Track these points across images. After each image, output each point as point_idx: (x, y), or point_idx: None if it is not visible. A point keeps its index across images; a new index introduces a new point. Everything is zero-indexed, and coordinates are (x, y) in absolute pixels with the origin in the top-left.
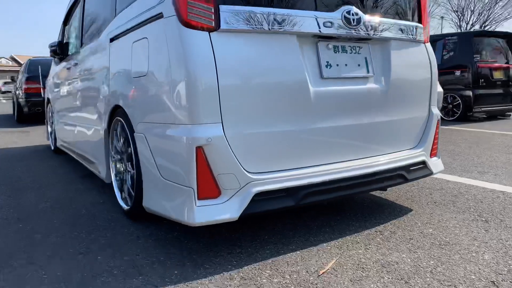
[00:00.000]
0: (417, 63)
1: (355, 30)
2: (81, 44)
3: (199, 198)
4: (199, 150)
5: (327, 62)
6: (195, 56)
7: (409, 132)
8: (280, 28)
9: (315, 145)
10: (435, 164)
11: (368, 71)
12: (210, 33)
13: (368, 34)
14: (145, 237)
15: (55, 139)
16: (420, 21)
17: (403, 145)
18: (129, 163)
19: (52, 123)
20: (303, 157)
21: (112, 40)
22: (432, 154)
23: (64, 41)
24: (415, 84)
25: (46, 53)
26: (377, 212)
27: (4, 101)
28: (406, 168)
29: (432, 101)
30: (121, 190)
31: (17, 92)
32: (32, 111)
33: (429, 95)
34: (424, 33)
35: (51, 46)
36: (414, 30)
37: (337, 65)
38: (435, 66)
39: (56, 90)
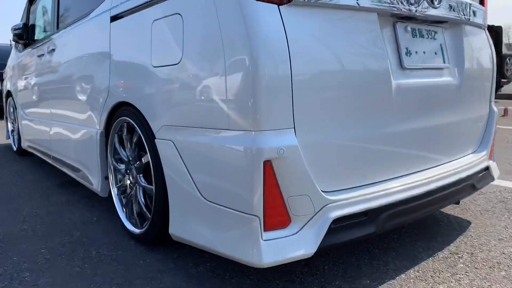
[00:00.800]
0: (483, 52)
1: (437, 9)
2: (57, 26)
3: (265, 230)
4: (267, 165)
5: (406, 48)
6: (262, 36)
7: (472, 133)
8: (364, 3)
9: (393, 153)
10: (494, 168)
11: (444, 61)
12: (280, 7)
13: (447, 15)
14: (171, 273)
15: (19, 138)
16: (482, 2)
17: (467, 148)
18: (141, 175)
19: (15, 119)
20: (380, 168)
21: (114, 19)
22: (490, 157)
23: (30, 24)
24: (482, 76)
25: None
26: (434, 227)
27: None
28: (475, 175)
29: (492, 96)
30: (123, 205)
31: None
32: None
33: (490, 89)
34: (485, 17)
35: (14, 29)
36: (480, 13)
37: (416, 52)
38: (495, 55)
39: (20, 81)
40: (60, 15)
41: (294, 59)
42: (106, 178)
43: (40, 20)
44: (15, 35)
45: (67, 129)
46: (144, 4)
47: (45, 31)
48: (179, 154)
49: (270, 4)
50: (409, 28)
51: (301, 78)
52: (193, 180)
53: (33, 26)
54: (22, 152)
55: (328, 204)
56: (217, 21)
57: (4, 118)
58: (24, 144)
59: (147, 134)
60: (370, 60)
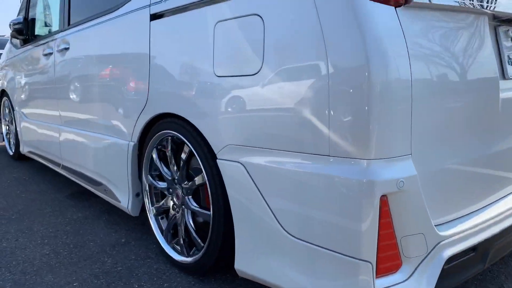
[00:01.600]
0: None
1: None
2: (69, 22)
3: (377, 276)
4: (384, 200)
5: (508, 56)
6: (380, 42)
7: None
8: (480, 4)
9: (495, 175)
10: None
11: None
12: (396, 9)
13: None
14: None
15: (17, 142)
16: None
17: None
18: (190, 197)
19: (11, 121)
20: (484, 192)
21: (156, 17)
22: None
23: (30, 17)
24: None
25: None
26: None
27: None
28: None
29: None
30: (163, 228)
31: None
32: None
33: None
34: None
35: (14, 24)
36: None
37: None
38: None
39: (19, 80)
40: (71, 9)
41: (414, 70)
42: (137, 195)
43: (42, 14)
44: (14, 30)
45: (85, 137)
46: (200, 2)
47: (48, 26)
48: (252, 179)
49: (387, 6)
50: (510, 33)
51: (419, 91)
52: (271, 211)
53: (34, 20)
54: (19, 157)
55: (441, 242)
56: (318, 24)
57: None
58: (24, 149)
59: (203, 153)
60: (482, 70)
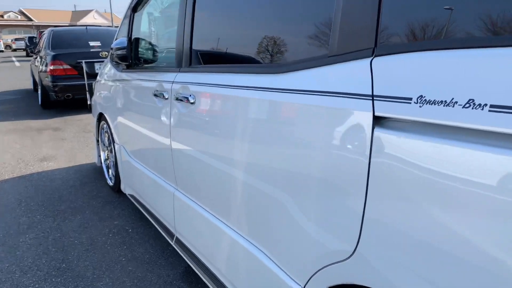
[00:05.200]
0: None
1: None
2: (190, 61)
3: None
4: None
5: None
6: None
7: None
8: None
9: None
10: None
11: None
12: None
13: None
14: None
15: (117, 175)
16: None
17: None
18: None
19: (111, 150)
20: None
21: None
22: None
23: (134, 38)
24: None
25: (61, 6)
26: None
27: (17, 63)
28: None
29: None
30: None
31: (39, 67)
32: (60, 98)
33: None
34: None
35: (118, 48)
36: None
37: None
38: None
39: (122, 111)
40: (195, 36)
41: None
42: None
43: (151, 35)
44: (117, 56)
45: (216, 229)
46: None
47: (159, 51)
48: None
49: None
50: None
51: None
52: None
53: (139, 41)
54: (119, 190)
55: None
56: None
57: (95, 141)
58: (125, 189)
59: None
60: None
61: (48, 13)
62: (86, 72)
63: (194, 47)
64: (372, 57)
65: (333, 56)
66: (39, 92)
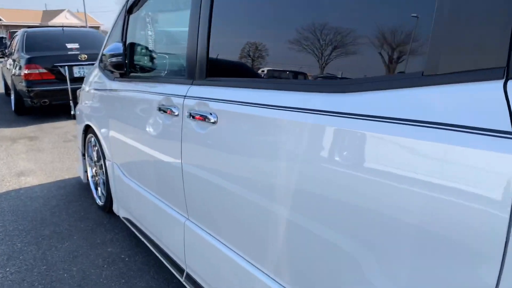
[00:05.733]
0: None
1: None
2: (206, 71)
3: None
4: None
5: None
6: None
7: None
8: None
9: None
10: None
11: None
12: None
13: None
14: None
15: (108, 195)
16: None
17: None
18: None
19: (100, 165)
20: None
21: None
22: None
23: (129, 43)
24: None
25: (32, 5)
26: None
27: None
28: None
29: None
30: None
31: (12, 71)
32: (36, 104)
33: None
34: None
35: (112, 55)
36: None
37: None
38: None
39: (115, 125)
40: (213, 35)
41: None
42: None
43: (151, 38)
44: (112, 64)
45: (239, 269)
46: None
47: (159, 58)
48: None
49: None
50: None
51: None
52: None
53: (134, 46)
54: (110, 210)
55: None
56: None
57: (80, 154)
58: (119, 211)
59: None
60: None
61: (18, 12)
62: (66, 77)
63: (211, 55)
64: (503, 79)
65: (437, 75)
66: (12, 97)
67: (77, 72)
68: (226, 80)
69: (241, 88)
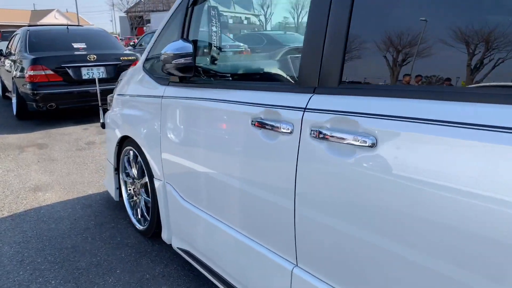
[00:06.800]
0: None
1: None
2: (341, 77)
3: None
4: None
5: None
6: None
7: None
8: None
9: None
10: None
11: None
12: None
13: None
14: None
15: (154, 220)
16: None
17: None
18: None
19: (142, 184)
20: None
21: None
22: None
23: (213, 46)
24: None
25: (20, 5)
26: None
27: None
28: None
29: None
30: None
31: (13, 73)
32: (42, 108)
33: None
34: None
35: (177, 55)
36: None
37: None
38: None
39: (177, 145)
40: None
41: None
42: None
43: (231, 37)
44: (178, 67)
45: None
46: None
47: (254, 60)
48: None
49: None
50: None
51: None
52: None
53: (206, 46)
54: (154, 234)
55: None
56: None
57: (112, 169)
58: (173, 241)
59: None
60: None
61: (5, 12)
62: (74, 79)
63: (349, 54)
64: None
65: None
66: (14, 101)
67: (85, 74)
68: (382, 89)
69: (415, 100)
